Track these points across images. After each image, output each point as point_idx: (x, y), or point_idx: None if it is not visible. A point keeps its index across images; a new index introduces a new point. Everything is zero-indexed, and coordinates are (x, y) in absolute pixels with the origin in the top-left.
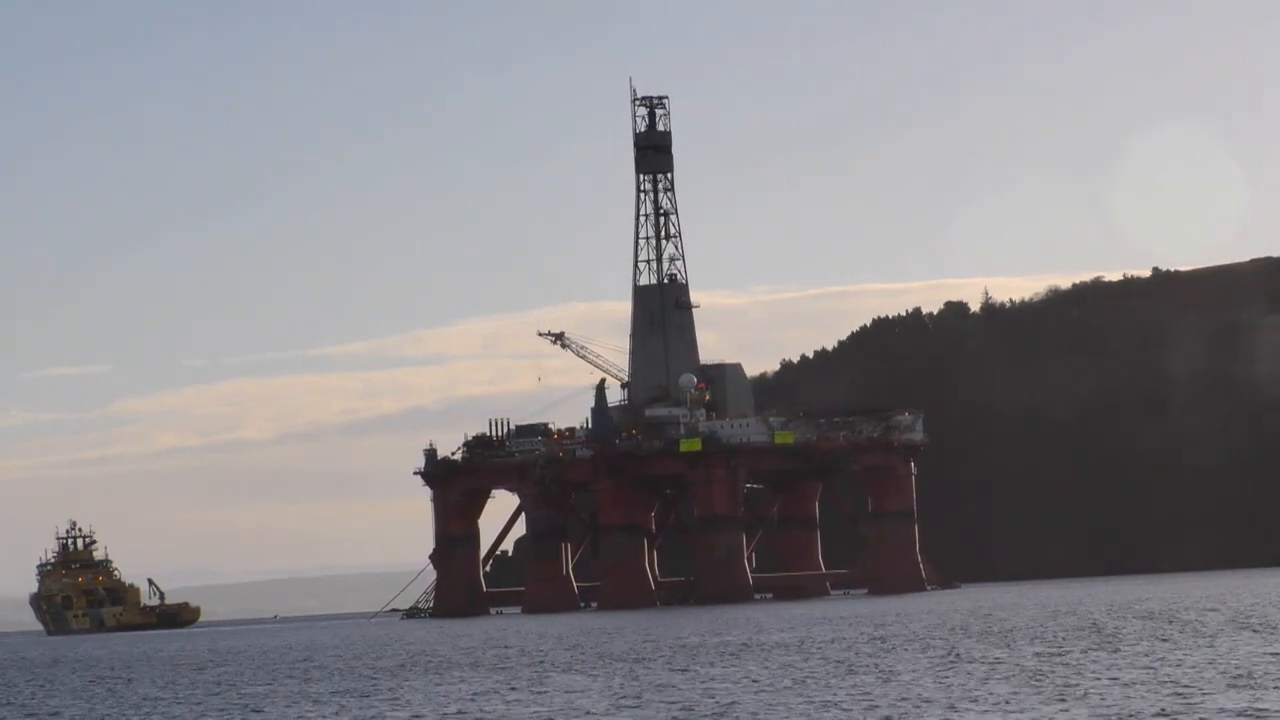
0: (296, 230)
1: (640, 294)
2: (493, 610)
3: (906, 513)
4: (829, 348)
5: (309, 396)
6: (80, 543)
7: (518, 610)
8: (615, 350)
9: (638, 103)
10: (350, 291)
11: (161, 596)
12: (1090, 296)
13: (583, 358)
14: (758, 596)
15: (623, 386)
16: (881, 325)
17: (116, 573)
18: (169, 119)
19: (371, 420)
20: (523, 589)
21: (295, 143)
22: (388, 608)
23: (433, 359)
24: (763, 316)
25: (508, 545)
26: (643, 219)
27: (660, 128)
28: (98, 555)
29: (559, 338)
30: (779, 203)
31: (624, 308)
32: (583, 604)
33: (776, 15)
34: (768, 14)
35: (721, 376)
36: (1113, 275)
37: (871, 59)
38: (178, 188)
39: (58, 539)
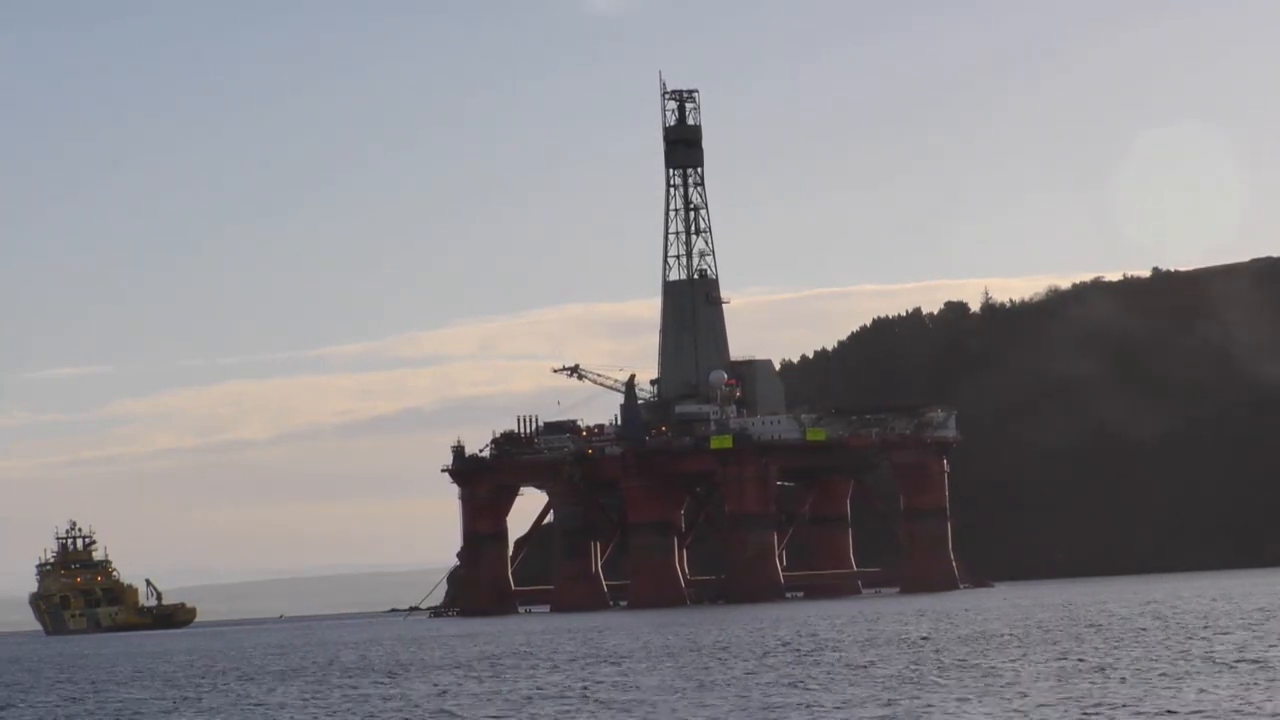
0: (294, 231)
1: (670, 289)
2: (520, 609)
3: (939, 510)
4: (829, 348)
5: (306, 397)
6: (80, 543)
7: (546, 609)
8: (615, 367)
9: (667, 96)
10: (347, 293)
11: (159, 597)
12: (1090, 296)
13: (601, 384)
14: (789, 595)
15: (651, 384)
16: (881, 325)
17: (115, 573)
18: (170, 122)
19: (368, 421)
20: (546, 587)
21: (294, 144)
22: (422, 604)
23: (429, 360)
24: (762, 317)
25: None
26: (672, 214)
27: (690, 121)
28: (97, 555)
29: (574, 370)
30: (778, 203)
31: (620, 309)
32: (612, 603)
33: (774, 16)
34: (766, 14)
35: (752, 373)
36: (1113, 275)
37: (870, 62)
38: (177, 190)
39: (57, 539)
